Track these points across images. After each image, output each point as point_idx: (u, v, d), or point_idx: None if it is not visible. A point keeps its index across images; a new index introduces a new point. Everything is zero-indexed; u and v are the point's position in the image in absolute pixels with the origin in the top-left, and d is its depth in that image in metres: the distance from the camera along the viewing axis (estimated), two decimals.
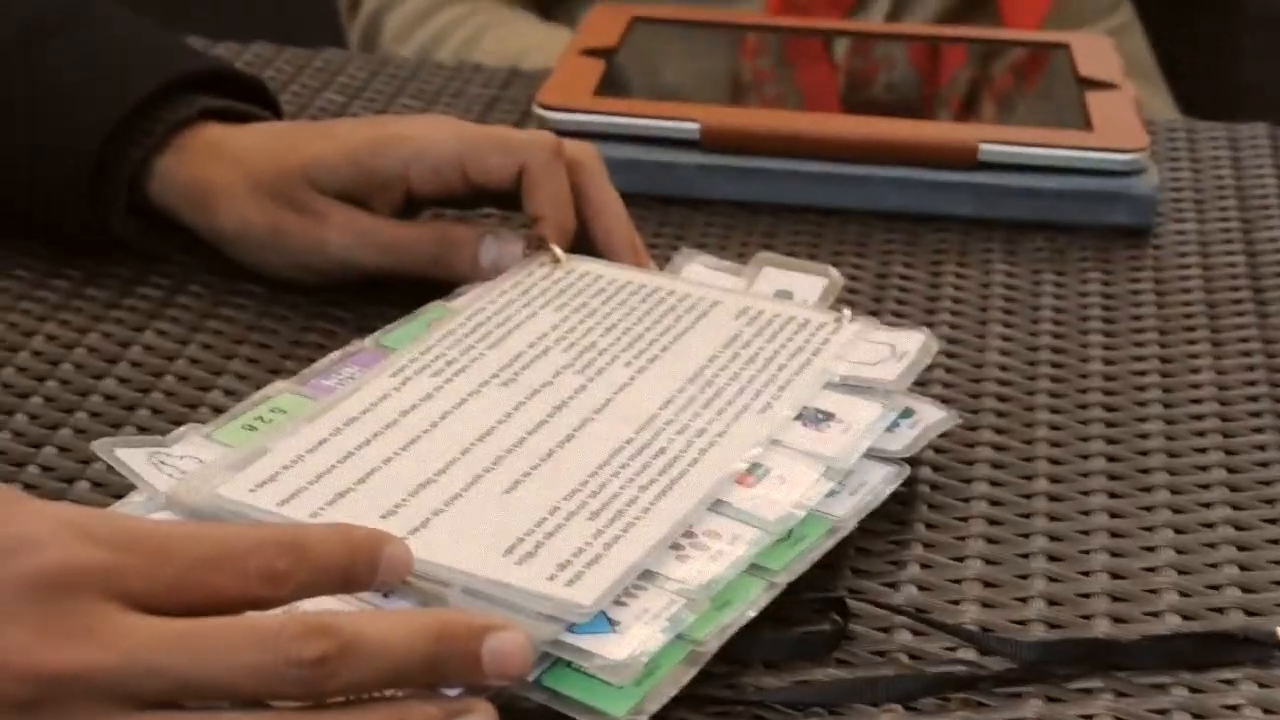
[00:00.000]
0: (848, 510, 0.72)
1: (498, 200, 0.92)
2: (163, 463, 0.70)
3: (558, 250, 0.87)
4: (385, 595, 0.63)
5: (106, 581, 0.56)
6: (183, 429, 0.72)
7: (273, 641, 0.56)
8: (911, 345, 0.80)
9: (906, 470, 0.74)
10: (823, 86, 1.20)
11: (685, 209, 1.02)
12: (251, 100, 0.96)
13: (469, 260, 0.87)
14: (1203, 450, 0.81)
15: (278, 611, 0.58)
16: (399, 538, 0.62)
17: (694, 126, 1.03)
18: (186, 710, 0.57)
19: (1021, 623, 0.69)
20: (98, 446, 0.70)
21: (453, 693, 0.59)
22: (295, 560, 0.59)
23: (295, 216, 0.88)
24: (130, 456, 0.70)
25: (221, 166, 0.90)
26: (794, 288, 0.87)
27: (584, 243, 0.89)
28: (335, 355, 0.79)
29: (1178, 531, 0.75)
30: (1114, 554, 0.74)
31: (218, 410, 0.79)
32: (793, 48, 1.21)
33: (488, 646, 0.59)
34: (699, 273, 0.89)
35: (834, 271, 0.88)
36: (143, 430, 0.79)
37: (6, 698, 0.55)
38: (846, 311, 0.83)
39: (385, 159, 0.88)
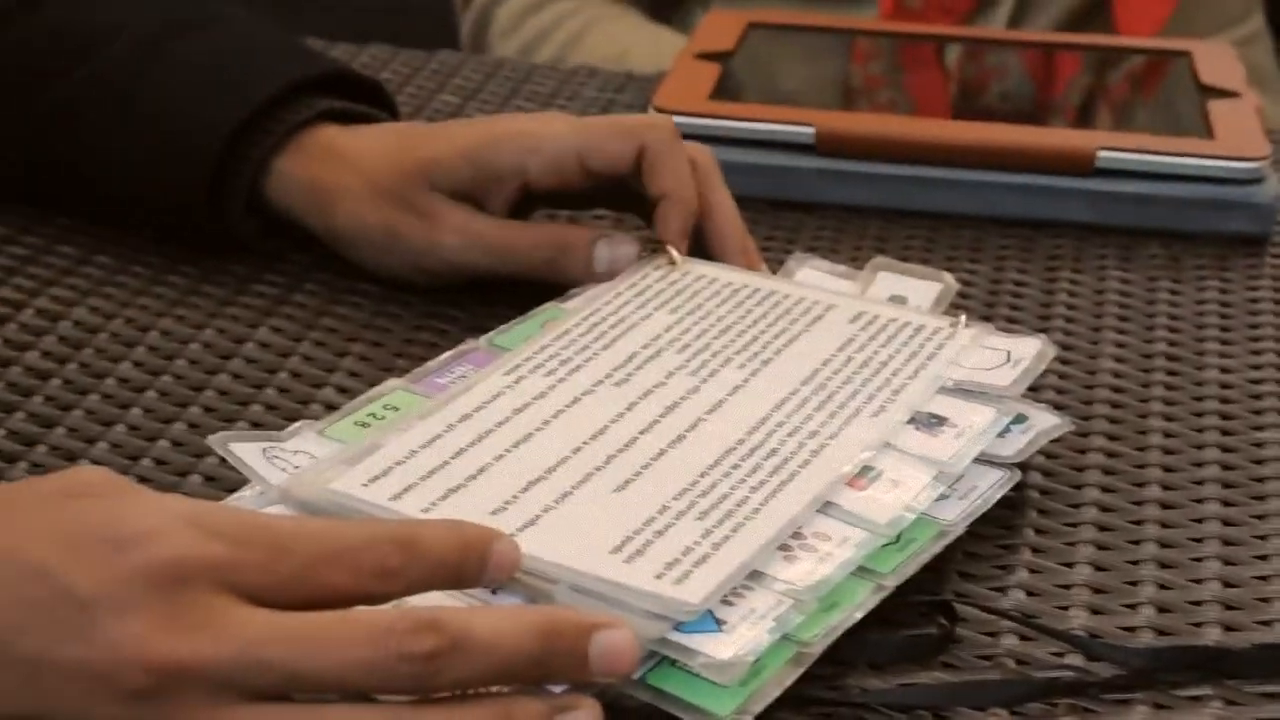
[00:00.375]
0: (957, 514, 0.71)
1: (612, 200, 0.92)
2: (276, 457, 0.71)
3: (674, 252, 0.87)
4: (494, 592, 0.64)
5: (222, 574, 0.57)
6: (296, 425, 0.73)
7: (384, 637, 0.56)
8: (1028, 351, 0.80)
9: (1017, 475, 0.74)
10: (937, 93, 1.19)
11: (798, 213, 1.02)
12: (369, 102, 0.97)
13: (582, 264, 0.87)
14: None
15: (388, 607, 0.59)
16: (508, 535, 0.62)
17: (809, 131, 1.02)
18: (297, 703, 0.57)
19: (1130, 629, 0.69)
20: (213, 440, 0.71)
21: (558, 689, 0.59)
22: (408, 557, 0.59)
23: (410, 218, 0.88)
24: (244, 451, 0.71)
25: (339, 168, 0.90)
26: (908, 293, 0.87)
27: (696, 244, 0.89)
28: (448, 354, 0.80)
29: None
30: (1226, 562, 0.73)
31: (330, 407, 0.80)
32: (909, 54, 1.20)
33: (595, 644, 0.59)
34: (813, 277, 0.88)
35: (949, 277, 0.88)
36: (256, 426, 0.79)
37: (122, 687, 0.56)
38: (962, 317, 0.83)
39: (502, 154, 0.89)
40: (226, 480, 0.74)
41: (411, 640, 0.56)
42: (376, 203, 0.89)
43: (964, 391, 0.78)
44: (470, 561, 0.61)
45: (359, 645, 0.56)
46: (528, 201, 0.91)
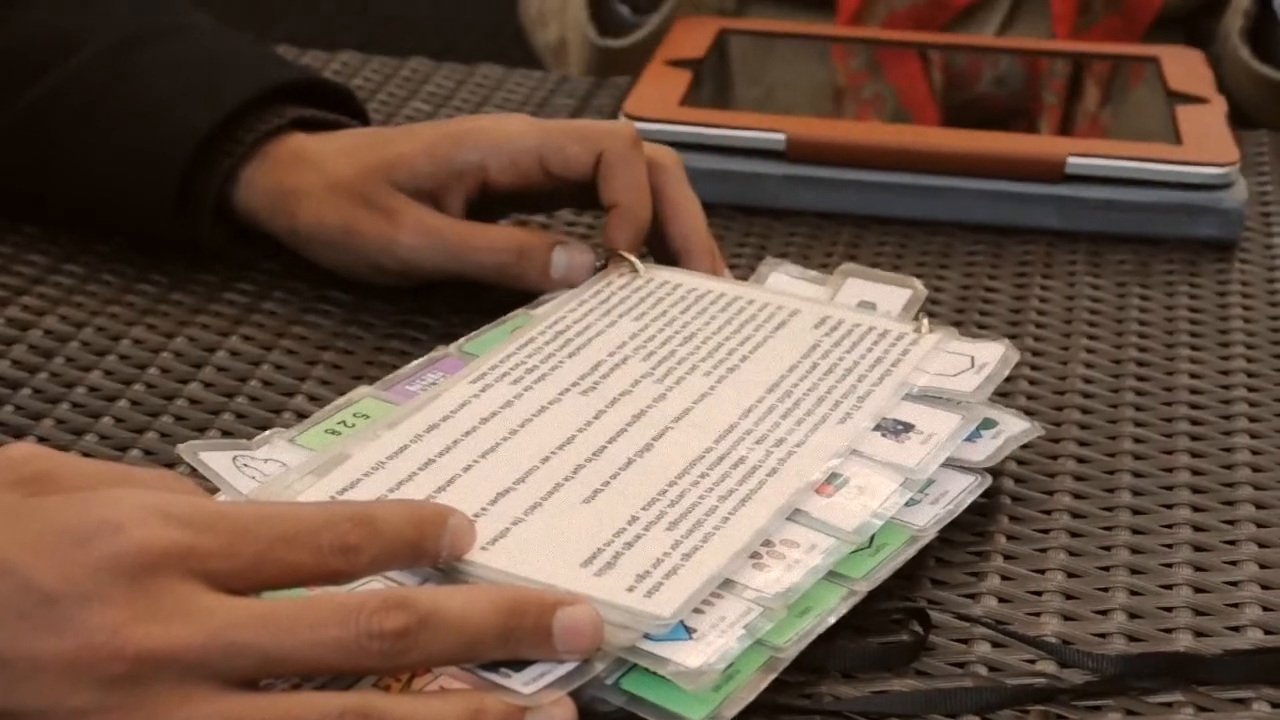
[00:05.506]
0: (928, 519, 0.71)
1: (578, 199, 0.92)
2: (246, 465, 0.71)
3: (635, 260, 0.87)
4: None
5: (186, 562, 0.58)
6: (267, 433, 0.73)
7: (354, 616, 0.58)
8: (991, 356, 0.80)
9: (988, 480, 0.74)
10: (910, 100, 1.19)
11: (769, 219, 1.02)
12: (340, 109, 0.97)
13: (539, 270, 0.87)
14: None
15: (354, 587, 0.61)
16: (462, 512, 0.64)
17: (780, 137, 1.03)
18: (269, 693, 0.58)
19: (1102, 636, 0.69)
20: (183, 449, 0.71)
21: (529, 690, 0.60)
22: (367, 534, 0.60)
23: (369, 215, 0.88)
24: (214, 459, 0.71)
25: (304, 172, 0.90)
26: (878, 299, 0.87)
27: (661, 246, 0.89)
28: (419, 361, 0.80)
29: (1261, 545, 0.75)
30: (1197, 568, 0.73)
31: (301, 415, 0.80)
32: (882, 59, 1.20)
33: (559, 621, 0.60)
34: (784, 282, 0.88)
35: (917, 283, 0.88)
36: (227, 434, 0.79)
37: (96, 675, 0.56)
38: (925, 321, 0.83)
39: (463, 150, 0.89)
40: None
41: (381, 618, 0.58)
42: (337, 201, 0.89)
43: (929, 398, 0.78)
44: (427, 537, 0.62)
45: (330, 625, 0.58)
46: (492, 203, 0.91)
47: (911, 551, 0.70)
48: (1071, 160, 1.01)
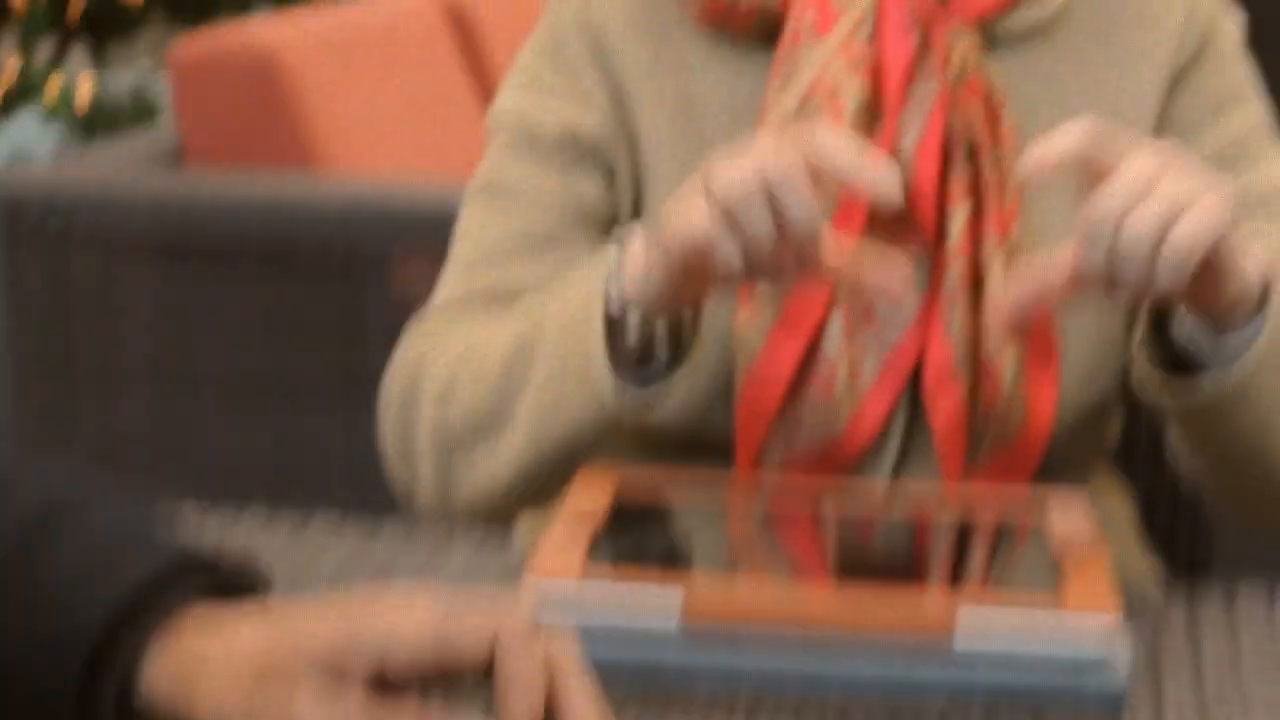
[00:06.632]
0: None
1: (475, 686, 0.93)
2: None
3: None
4: None
5: None
6: None
7: None
8: None
9: None
10: (805, 562, 1.21)
11: (666, 703, 1.03)
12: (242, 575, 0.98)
13: None
14: None
15: None
16: None
17: (677, 598, 1.05)
18: None
19: None
20: None
21: None
22: None
23: (267, 699, 0.89)
24: None
25: (204, 660, 0.91)
26: None
27: None
28: None
29: None
30: None
31: None
32: (776, 520, 1.23)
33: None
34: None
35: None
36: None
37: None
38: None
39: (361, 641, 0.90)
40: None
41: None
42: (237, 684, 0.90)
43: None
44: None
45: None
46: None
47: None
48: (960, 628, 1.04)
